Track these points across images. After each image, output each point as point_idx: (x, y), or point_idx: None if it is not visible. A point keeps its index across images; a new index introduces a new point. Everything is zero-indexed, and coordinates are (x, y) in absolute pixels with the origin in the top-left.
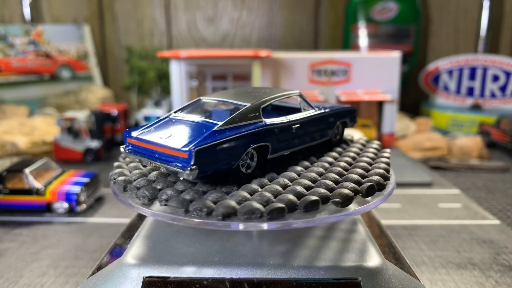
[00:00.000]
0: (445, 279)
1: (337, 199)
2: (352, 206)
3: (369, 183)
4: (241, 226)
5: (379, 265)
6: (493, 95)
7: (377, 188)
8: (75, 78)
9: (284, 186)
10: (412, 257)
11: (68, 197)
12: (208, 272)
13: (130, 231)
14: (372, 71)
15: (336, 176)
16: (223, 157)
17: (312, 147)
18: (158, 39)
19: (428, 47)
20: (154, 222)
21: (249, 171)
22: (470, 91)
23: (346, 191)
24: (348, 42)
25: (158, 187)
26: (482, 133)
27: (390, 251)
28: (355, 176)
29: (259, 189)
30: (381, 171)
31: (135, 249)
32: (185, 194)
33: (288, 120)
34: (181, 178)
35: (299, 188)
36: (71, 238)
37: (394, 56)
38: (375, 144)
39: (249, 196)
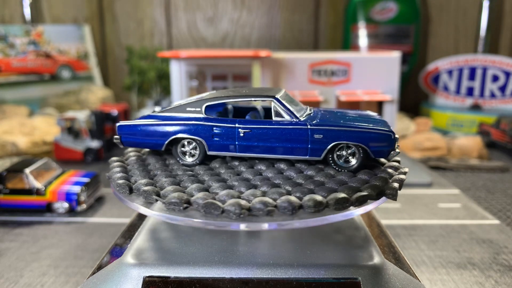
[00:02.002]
0: (444, 279)
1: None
2: (352, 206)
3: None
4: (241, 226)
5: (379, 265)
6: (492, 95)
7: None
8: (75, 78)
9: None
10: (412, 257)
11: (68, 197)
12: (208, 272)
13: (130, 231)
14: (372, 71)
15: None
16: (144, 136)
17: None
18: (158, 39)
19: (427, 47)
20: (154, 222)
21: (195, 161)
22: (470, 91)
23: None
24: (348, 42)
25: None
26: (481, 133)
27: (390, 251)
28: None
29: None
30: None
31: (135, 249)
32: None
33: (230, 122)
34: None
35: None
36: (71, 238)
37: (394, 56)
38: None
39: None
